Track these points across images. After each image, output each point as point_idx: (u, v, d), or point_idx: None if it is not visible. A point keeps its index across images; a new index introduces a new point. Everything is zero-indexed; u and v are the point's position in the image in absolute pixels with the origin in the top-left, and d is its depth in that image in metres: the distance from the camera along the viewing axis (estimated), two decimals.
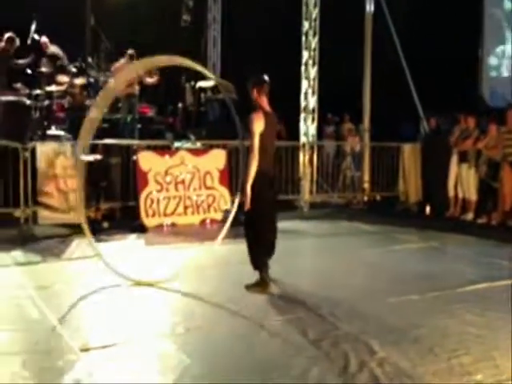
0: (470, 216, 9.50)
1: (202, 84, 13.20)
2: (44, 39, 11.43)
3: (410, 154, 10.74)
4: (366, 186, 11.24)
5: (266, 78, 5.64)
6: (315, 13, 10.57)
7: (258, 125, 5.41)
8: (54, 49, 11.49)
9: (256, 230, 5.57)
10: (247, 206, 5.41)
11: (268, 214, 5.61)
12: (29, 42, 10.83)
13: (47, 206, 7.97)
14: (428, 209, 10.27)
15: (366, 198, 11.25)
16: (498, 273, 6.28)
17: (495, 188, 9.15)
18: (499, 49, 16.10)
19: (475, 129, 9.56)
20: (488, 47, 16.02)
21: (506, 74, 15.93)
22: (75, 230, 7.87)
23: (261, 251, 5.60)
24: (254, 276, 5.70)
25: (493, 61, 16.24)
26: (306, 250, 7.77)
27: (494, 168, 9.20)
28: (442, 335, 4.53)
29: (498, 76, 16.01)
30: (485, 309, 5.12)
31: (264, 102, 5.59)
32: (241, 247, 7.40)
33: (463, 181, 9.60)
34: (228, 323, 4.76)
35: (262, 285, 5.54)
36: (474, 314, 5.01)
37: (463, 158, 9.59)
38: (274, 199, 5.76)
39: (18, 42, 9.56)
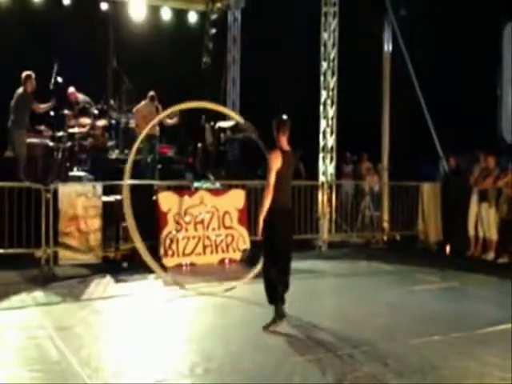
0: (490, 256, 9.39)
1: (221, 124, 13.39)
2: (72, 90, 11.63)
3: (429, 194, 10.70)
4: (386, 225, 11.19)
5: (286, 117, 5.90)
6: (333, 53, 10.73)
7: (276, 162, 5.67)
8: (81, 97, 11.69)
9: (269, 262, 5.74)
10: (259, 237, 5.71)
11: (280, 248, 5.73)
12: (51, 86, 11.09)
13: (68, 247, 8.06)
14: (448, 248, 10.17)
15: (385, 238, 11.19)
16: None
17: None
18: None
19: (495, 168, 9.52)
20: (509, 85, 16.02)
21: None
22: (95, 270, 8.00)
23: (274, 284, 5.70)
24: (270, 316, 5.70)
25: None
26: (325, 289, 7.72)
27: None
28: (463, 377, 4.45)
29: None
30: (507, 350, 5.02)
31: (283, 140, 5.83)
32: (259, 287, 7.42)
33: (483, 220, 9.52)
34: (247, 365, 4.73)
35: (276, 320, 5.62)
36: (495, 356, 4.91)
37: (483, 197, 9.53)
38: (289, 234, 5.93)
39: (34, 81, 9.68)
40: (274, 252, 5.72)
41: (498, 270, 8.59)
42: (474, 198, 9.68)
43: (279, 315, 5.65)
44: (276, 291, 5.70)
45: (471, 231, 9.71)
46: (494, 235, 9.38)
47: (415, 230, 10.76)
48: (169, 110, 8.04)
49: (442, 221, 10.41)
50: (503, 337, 5.43)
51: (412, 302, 6.70)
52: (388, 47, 11.51)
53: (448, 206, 10.24)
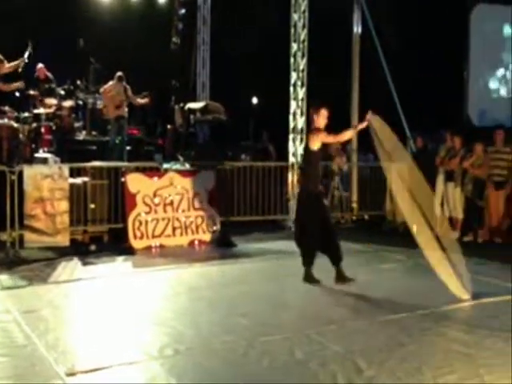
0: (456, 234, 9.54)
1: (191, 105, 13.28)
2: (40, 65, 11.44)
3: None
4: (354, 205, 11.28)
5: (321, 102, 6.53)
6: (303, 34, 10.68)
7: (315, 143, 6.41)
8: (49, 75, 11.53)
9: (303, 234, 6.53)
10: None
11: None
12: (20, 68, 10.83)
13: (34, 229, 7.93)
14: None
15: (354, 218, 11.29)
16: (484, 290, 6.29)
17: (480, 206, 9.23)
18: (499, 72, 16.37)
19: (461, 148, 9.65)
20: (480, 68, 16.25)
21: (503, 94, 16.18)
22: (62, 252, 7.90)
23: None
24: (240, 297, 5.72)
25: (488, 81, 16.47)
26: (295, 270, 7.75)
27: (479, 187, 9.28)
28: (429, 353, 4.54)
29: (491, 96, 16.23)
30: (472, 326, 5.14)
31: (319, 123, 6.45)
32: (229, 268, 7.45)
33: (449, 199, 9.67)
34: (216, 344, 4.74)
35: (307, 279, 6.50)
36: (461, 331, 5.03)
37: (449, 176, 9.66)
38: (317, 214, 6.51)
39: (6, 63, 9.53)
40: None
41: (462, 247, 8.72)
42: (440, 178, 9.81)
43: (307, 275, 6.55)
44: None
45: (437, 210, 9.85)
46: (459, 214, 9.54)
47: (383, 210, 10.88)
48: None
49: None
50: (467, 313, 5.56)
51: (379, 281, 6.79)
52: (357, 29, 11.51)
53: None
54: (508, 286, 6.48)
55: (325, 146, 6.77)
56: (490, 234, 9.11)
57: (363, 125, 6.46)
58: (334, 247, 6.51)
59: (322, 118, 6.47)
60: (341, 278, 6.47)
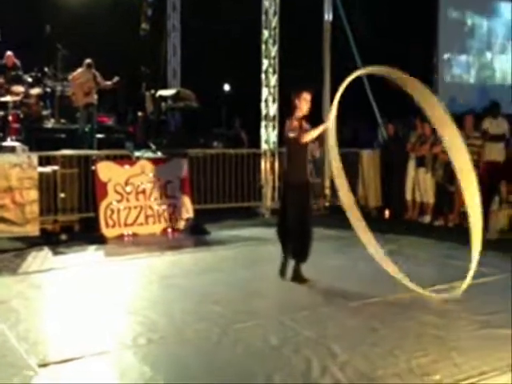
0: (427, 219, 9.68)
1: (162, 93, 13.16)
2: (9, 53, 11.21)
3: (368, 160, 10.89)
4: (327, 191, 11.33)
5: (303, 85, 6.24)
6: (275, 21, 10.64)
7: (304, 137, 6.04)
8: (17, 62, 11.31)
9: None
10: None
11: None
12: None
13: (3, 219, 7.78)
14: (387, 213, 10.42)
15: (327, 204, 11.34)
16: (455, 274, 6.37)
17: (451, 191, 9.35)
18: (463, 57, 16.56)
19: (431, 134, 9.73)
20: (449, 54, 16.42)
21: (471, 81, 16.39)
22: (32, 243, 7.78)
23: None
24: (214, 285, 5.70)
25: (456, 68, 16.66)
26: (269, 256, 7.75)
27: (449, 172, 9.38)
28: (402, 337, 4.60)
29: (461, 82, 16.42)
30: (443, 310, 5.21)
31: (302, 108, 6.12)
32: (202, 255, 7.43)
33: (420, 185, 9.78)
34: (189, 332, 4.73)
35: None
36: (432, 314, 5.09)
37: (420, 162, 9.77)
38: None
39: None
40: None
41: (434, 232, 8.86)
42: (412, 164, 9.91)
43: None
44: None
45: (409, 196, 9.97)
46: (430, 199, 9.67)
47: (355, 196, 10.94)
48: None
49: (381, 186, 10.62)
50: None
51: (351, 266, 6.84)
52: (328, 16, 11.48)
53: (387, 171, 10.46)
54: (478, 269, 6.57)
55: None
56: (460, 218, 9.24)
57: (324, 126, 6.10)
58: (302, 242, 6.13)
59: (304, 103, 6.11)
60: (298, 276, 6.13)
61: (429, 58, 16.03)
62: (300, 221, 6.09)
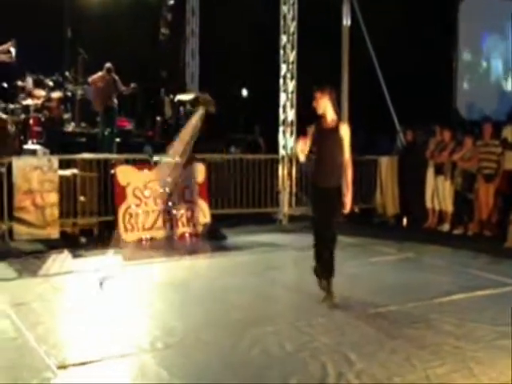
0: (446, 227, 9.61)
1: (180, 97, 13.23)
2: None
3: (387, 167, 10.83)
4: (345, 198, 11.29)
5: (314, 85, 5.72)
6: (293, 26, 10.65)
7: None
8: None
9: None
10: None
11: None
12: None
13: (23, 222, 7.88)
14: (405, 221, 10.36)
15: (344, 211, 11.29)
16: (474, 283, 6.35)
17: (470, 199, 9.28)
18: (484, 64, 16.39)
19: (451, 141, 9.68)
20: (466, 61, 16.28)
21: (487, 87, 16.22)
22: (52, 245, 7.86)
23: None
24: (230, 290, 5.72)
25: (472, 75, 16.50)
26: (286, 262, 7.78)
27: (469, 180, 9.33)
28: (419, 346, 4.57)
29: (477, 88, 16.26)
30: (462, 319, 5.17)
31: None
32: (219, 261, 7.46)
33: (439, 192, 9.71)
34: (206, 337, 4.75)
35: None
36: (450, 324, 5.06)
37: (439, 170, 9.70)
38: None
39: None
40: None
41: (452, 240, 8.79)
42: (431, 171, 9.85)
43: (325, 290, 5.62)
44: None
45: (428, 204, 9.90)
46: (449, 207, 9.59)
47: (373, 204, 10.91)
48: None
49: (400, 194, 10.57)
50: (457, 306, 5.58)
51: (369, 273, 6.82)
52: (347, 21, 11.47)
53: (405, 179, 10.40)
54: (497, 279, 6.53)
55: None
56: (480, 226, 9.16)
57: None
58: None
59: (315, 103, 5.68)
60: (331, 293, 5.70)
61: (448, 63, 15.92)
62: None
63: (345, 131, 5.67)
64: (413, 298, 5.78)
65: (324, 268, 5.70)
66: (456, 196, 9.47)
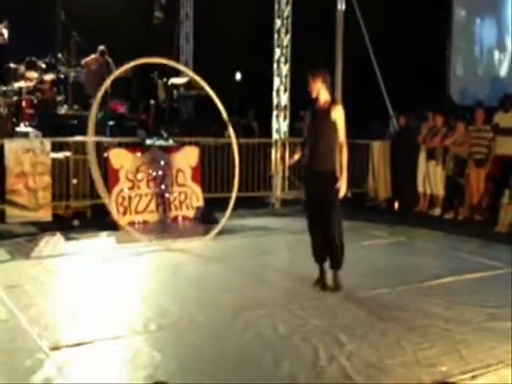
0: (437, 211, 9.67)
1: (174, 80, 13.18)
2: None
3: (379, 152, 10.87)
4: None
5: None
6: (287, 10, 10.61)
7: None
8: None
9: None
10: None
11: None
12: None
13: (16, 204, 7.87)
14: (397, 205, 10.42)
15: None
16: (464, 266, 6.41)
17: (461, 184, 9.34)
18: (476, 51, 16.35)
19: (443, 126, 9.71)
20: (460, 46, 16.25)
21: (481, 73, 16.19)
22: (44, 228, 7.86)
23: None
24: (223, 273, 5.75)
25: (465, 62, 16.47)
26: (278, 246, 7.83)
27: (460, 165, 9.38)
28: (409, 328, 4.63)
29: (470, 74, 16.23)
30: (451, 302, 5.24)
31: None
32: (212, 244, 7.49)
33: (431, 177, 9.77)
34: (199, 319, 4.79)
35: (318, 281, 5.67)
36: (440, 306, 5.12)
37: (431, 155, 9.75)
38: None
39: None
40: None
41: (443, 224, 8.86)
42: (423, 156, 9.90)
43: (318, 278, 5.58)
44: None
45: (420, 188, 9.96)
46: (440, 192, 9.65)
47: (365, 188, 10.96)
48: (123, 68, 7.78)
49: (392, 178, 10.62)
50: (447, 289, 5.65)
51: (361, 257, 6.85)
52: (341, 5, 11.42)
53: (397, 163, 10.44)
54: (487, 262, 6.60)
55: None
56: (471, 211, 9.23)
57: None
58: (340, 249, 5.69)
59: (309, 87, 5.58)
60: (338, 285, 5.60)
61: (441, 49, 15.90)
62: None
63: (339, 113, 5.54)
64: (403, 281, 5.84)
65: (322, 253, 5.64)
66: (447, 181, 9.54)
